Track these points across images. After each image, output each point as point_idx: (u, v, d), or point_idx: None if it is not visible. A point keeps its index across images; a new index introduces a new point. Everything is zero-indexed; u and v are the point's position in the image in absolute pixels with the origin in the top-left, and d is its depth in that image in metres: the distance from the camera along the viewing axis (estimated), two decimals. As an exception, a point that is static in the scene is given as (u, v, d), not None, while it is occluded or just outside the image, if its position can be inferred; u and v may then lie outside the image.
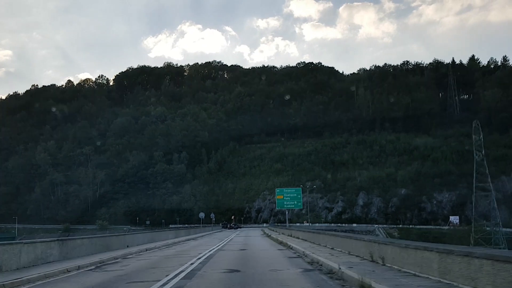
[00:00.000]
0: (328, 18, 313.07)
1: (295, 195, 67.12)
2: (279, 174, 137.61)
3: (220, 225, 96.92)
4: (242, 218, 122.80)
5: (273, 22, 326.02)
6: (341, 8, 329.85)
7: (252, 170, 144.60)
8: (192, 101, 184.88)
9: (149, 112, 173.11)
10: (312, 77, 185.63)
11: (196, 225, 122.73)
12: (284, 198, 66.77)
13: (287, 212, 78.29)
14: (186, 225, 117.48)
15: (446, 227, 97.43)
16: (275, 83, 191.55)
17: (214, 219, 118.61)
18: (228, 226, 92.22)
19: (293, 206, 70.13)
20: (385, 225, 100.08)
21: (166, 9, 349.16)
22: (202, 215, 71.79)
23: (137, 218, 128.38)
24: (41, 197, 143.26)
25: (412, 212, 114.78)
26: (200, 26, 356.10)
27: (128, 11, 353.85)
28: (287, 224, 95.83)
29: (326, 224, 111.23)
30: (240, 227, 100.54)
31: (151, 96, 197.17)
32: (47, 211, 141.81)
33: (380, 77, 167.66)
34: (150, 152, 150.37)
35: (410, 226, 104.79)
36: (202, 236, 50.77)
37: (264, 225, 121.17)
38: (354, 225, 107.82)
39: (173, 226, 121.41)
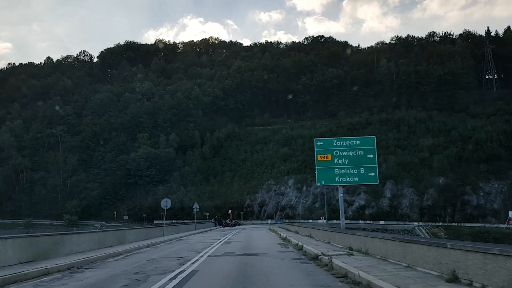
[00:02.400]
0: (331, 12, 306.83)
1: (362, 152, 29.57)
2: (287, 160, 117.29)
3: (212, 221, 76.30)
4: (241, 213, 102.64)
5: (275, 16, 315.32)
6: (344, 2, 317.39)
7: (254, 155, 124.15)
8: (184, 77, 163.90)
9: (133, 88, 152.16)
10: (323, 49, 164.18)
11: (185, 221, 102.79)
12: (336, 158, 29.78)
13: (340, 194, 33.00)
14: (174, 221, 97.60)
15: (505, 226, 77.15)
16: (281, 57, 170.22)
17: (208, 215, 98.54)
18: (223, 222, 71.67)
19: (356, 178, 30.18)
20: (427, 223, 79.64)
21: (167, 2, 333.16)
22: (196, 207, 51.54)
23: (115, 213, 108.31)
24: (3, 186, 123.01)
25: (453, 206, 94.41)
26: (201, 19, 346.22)
27: (129, 3, 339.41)
28: (323, 220, 75.60)
29: (346, 221, 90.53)
30: (239, 224, 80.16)
31: (138, 72, 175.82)
32: (9, 202, 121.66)
33: (405, 47, 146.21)
34: (133, 133, 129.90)
35: (456, 224, 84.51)
36: (156, 247, 30.51)
37: (269, 221, 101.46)
38: (382, 222, 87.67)
39: (158, 222, 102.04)
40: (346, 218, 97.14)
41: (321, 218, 79.91)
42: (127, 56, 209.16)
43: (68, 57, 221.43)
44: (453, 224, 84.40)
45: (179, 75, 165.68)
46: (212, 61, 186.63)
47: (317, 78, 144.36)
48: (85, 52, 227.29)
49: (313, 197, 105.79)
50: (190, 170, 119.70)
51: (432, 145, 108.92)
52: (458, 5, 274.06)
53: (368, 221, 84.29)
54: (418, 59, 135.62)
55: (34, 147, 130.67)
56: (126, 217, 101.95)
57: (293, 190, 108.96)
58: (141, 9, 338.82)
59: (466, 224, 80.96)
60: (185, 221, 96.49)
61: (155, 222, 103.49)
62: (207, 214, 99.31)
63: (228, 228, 62.88)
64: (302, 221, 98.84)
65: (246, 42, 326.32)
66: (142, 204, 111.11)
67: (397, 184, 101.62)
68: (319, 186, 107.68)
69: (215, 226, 70.17)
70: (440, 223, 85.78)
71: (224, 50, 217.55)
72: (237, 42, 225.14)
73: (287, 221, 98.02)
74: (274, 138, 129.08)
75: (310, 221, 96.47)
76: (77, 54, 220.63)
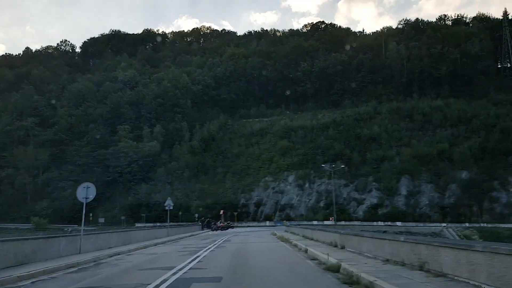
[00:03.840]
0: (327, 13, 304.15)
1: None
2: (286, 154, 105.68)
3: (199, 223, 63.92)
4: (235, 214, 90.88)
5: (270, 17, 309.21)
6: (340, 3, 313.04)
7: (249, 149, 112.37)
8: (172, 65, 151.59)
9: (115, 77, 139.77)
10: (324, 34, 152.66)
11: (171, 223, 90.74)
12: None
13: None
14: (158, 224, 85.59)
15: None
16: (278, 43, 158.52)
17: (197, 216, 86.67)
18: (213, 225, 59.49)
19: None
20: (455, 224, 68.21)
21: (162, 2, 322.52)
22: (169, 204, 37.37)
23: (91, 215, 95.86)
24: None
25: (479, 204, 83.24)
26: (197, 20, 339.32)
27: (123, 4, 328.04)
28: (330, 222, 63.65)
29: (356, 223, 79.60)
30: (232, 227, 68.23)
31: (122, 61, 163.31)
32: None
33: (416, 30, 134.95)
34: (113, 125, 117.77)
35: (485, 224, 73.12)
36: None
37: (267, 223, 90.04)
38: (398, 223, 76.13)
39: (140, 224, 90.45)
40: (356, 219, 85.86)
41: (330, 219, 68.27)
42: (112, 45, 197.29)
43: (48, 47, 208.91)
44: (484, 224, 73.00)
45: (166, 63, 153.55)
46: (203, 49, 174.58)
47: (319, 64, 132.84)
48: (67, 42, 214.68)
49: (317, 195, 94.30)
50: (177, 166, 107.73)
51: (451, 136, 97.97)
52: (453, 5, 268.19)
53: (388, 223, 72.67)
54: (430, 41, 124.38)
55: (1, 141, 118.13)
56: (102, 220, 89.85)
57: (294, 188, 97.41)
58: (136, 10, 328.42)
59: (501, 225, 69.52)
60: (171, 223, 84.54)
61: (136, 225, 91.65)
62: (197, 215, 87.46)
63: (217, 232, 51.02)
64: (305, 222, 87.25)
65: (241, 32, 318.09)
66: (121, 204, 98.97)
67: (413, 179, 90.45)
68: (324, 183, 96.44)
69: (202, 230, 58.29)
70: (466, 224, 74.35)
71: (217, 40, 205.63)
72: (231, 31, 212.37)
73: (293, 223, 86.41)
74: (271, 130, 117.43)
75: (315, 222, 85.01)
76: (57, 44, 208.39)
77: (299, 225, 47.33)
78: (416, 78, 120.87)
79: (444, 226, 65.53)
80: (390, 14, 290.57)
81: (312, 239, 24.02)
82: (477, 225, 70.66)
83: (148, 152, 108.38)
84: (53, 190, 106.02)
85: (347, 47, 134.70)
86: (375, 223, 79.85)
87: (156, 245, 24.40)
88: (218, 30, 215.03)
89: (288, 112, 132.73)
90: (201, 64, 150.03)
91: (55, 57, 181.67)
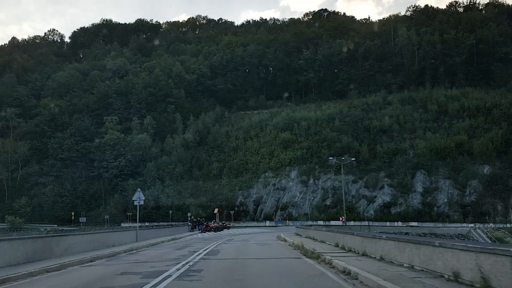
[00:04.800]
0: (328, 7, 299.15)
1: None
2: (288, 147, 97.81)
3: (189, 223, 55.28)
4: (232, 213, 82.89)
5: (269, 15, 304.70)
6: (338, 2, 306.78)
7: (247, 143, 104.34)
8: (165, 53, 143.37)
9: (104, 65, 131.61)
10: (328, 21, 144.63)
11: (160, 223, 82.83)
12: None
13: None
14: (147, 224, 77.76)
15: None
16: (278, 31, 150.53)
17: (190, 215, 78.73)
18: (205, 225, 50.97)
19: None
20: (481, 225, 60.38)
21: (160, 0, 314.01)
22: (139, 197, 27.42)
23: (73, 213, 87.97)
24: None
25: (504, 201, 75.52)
26: (193, 17, 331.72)
27: (120, 2, 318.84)
28: (337, 222, 55.85)
29: (365, 223, 71.77)
30: (228, 227, 60.17)
31: (112, 50, 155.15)
32: None
33: (426, 15, 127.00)
34: (99, 117, 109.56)
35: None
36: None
37: (267, 223, 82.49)
38: (413, 224, 68.27)
39: (126, 225, 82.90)
40: (367, 219, 77.96)
41: (341, 219, 60.32)
42: (103, 35, 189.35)
43: (36, 37, 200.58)
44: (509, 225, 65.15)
45: (159, 51, 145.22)
46: (198, 38, 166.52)
47: (322, 51, 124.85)
48: (55, 31, 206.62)
49: (322, 192, 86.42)
50: (169, 160, 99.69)
51: (470, 127, 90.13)
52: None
53: (398, 223, 64.74)
54: (443, 27, 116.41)
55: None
56: (83, 219, 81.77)
57: (297, 184, 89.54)
58: (134, 7, 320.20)
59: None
60: (161, 223, 76.57)
61: (123, 225, 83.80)
62: (189, 214, 79.51)
63: (208, 235, 42.99)
64: (309, 222, 79.41)
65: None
66: (107, 202, 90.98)
67: (430, 175, 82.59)
68: (330, 179, 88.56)
69: (191, 231, 50.22)
70: (491, 224, 66.49)
71: (214, 30, 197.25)
72: (228, 21, 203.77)
73: (296, 223, 78.60)
74: (272, 122, 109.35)
75: (321, 222, 77.23)
76: (45, 33, 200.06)
77: (310, 226, 39.33)
78: (428, 66, 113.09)
79: (471, 227, 57.67)
80: (389, 13, 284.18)
81: (350, 249, 15.93)
82: (505, 225, 62.77)
83: (137, 145, 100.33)
84: (32, 186, 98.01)
85: (353, 34, 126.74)
86: (388, 223, 72.02)
87: (109, 258, 16.41)
88: (215, 20, 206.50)
89: (289, 104, 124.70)
90: (196, 53, 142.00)
91: (42, 47, 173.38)
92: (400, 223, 65.49)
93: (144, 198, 27.28)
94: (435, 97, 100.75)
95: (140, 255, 17.27)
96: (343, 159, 70.20)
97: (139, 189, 27.66)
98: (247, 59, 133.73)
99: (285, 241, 24.54)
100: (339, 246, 17.44)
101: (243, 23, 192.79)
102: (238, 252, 18.58)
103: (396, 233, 46.24)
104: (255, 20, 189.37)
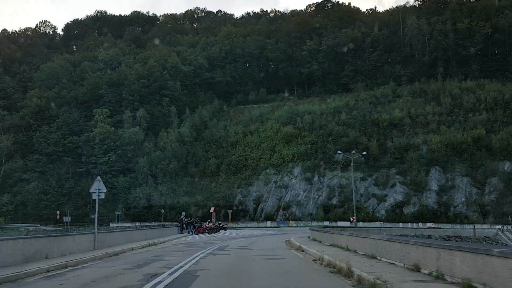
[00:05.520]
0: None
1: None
2: (291, 142, 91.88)
3: (179, 224, 48.84)
4: (230, 212, 77.00)
5: (270, 7, 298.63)
6: None
7: (247, 137, 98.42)
8: (161, 44, 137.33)
9: (95, 56, 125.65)
10: (332, 11, 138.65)
11: (152, 223, 76.85)
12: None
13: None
14: (138, 224, 72.06)
15: None
16: (280, 21, 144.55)
17: (184, 215, 72.81)
18: (198, 226, 44.59)
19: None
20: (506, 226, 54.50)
21: None
22: (98, 189, 20.63)
23: (58, 212, 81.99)
24: None
25: (528, 201, 69.71)
26: (191, 9, 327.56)
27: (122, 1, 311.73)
28: (344, 223, 49.12)
29: (378, 224, 66.22)
30: (225, 228, 54.14)
31: (106, 41, 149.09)
32: None
33: (437, 3, 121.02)
34: (89, 109, 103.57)
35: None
36: None
37: (268, 223, 76.95)
38: (428, 225, 62.37)
39: (115, 225, 77.47)
40: (378, 220, 72.05)
41: (352, 219, 54.35)
42: (97, 27, 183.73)
43: (27, 29, 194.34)
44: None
45: (154, 42, 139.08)
46: (196, 29, 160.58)
47: (327, 42, 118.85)
48: (47, 23, 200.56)
49: (328, 190, 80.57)
50: (163, 156, 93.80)
51: (487, 121, 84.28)
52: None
53: (431, 225, 58.78)
54: (456, 16, 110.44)
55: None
56: (68, 219, 75.69)
57: (301, 182, 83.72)
58: (130, 1, 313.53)
59: None
60: (153, 224, 70.59)
61: (112, 225, 77.88)
62: (183, 214, 73.59)
63: (201, 237, 37.09)
64: (314, 223, 73.60)
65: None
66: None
67: (445, 172, 76.74)
68: (336, 176, 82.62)
69: (181, 232, 44.19)
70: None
71: (213, 22, 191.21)
72: (227, 13, 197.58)
73: (300, 223, 73.24)
74: (273, 116, 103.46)
75: (327, 223, 71.40)
76: (36, 25, 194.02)
77: (330, 228, 33.02)
78: (440, 57, 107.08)
79: (498, 228, 51.75)
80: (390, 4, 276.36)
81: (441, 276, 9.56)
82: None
83: (128, 139, 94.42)
84: (16, 183, 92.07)
85: (359, 24, 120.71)
86: (401, 224, 66.22)
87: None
88: (214, 12, 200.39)
89: (291, 97, 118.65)
90: (193, 44, 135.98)
91: (32, 38, 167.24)
92: (414, 225, 59.52)
93: (105, 190, 21.34)
94: (448, 89, 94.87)
95: (54, 282, 10.94)
96: (353, 153, 64.27)
97: (98, 177, 21.66)
98: (247, 50, 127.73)
99: (303, 251, 18.48)
100: (426, 272, 10.71)
101: (243, 15, 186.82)
102: (231, 278, 11.41)
103: (418, 236, 40.45)
104: (255, 12, 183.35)
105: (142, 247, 22.21)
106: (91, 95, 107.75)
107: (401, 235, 36.63)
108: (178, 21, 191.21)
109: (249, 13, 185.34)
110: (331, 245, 20.11)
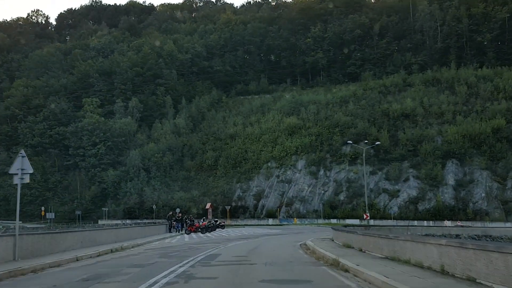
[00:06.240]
0: None
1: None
2: (294, 134, 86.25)
3: (167, 222, 42.75)
4: (228, 208, 71.37)
5: None
6: None
7: (247, 129, 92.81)
8: (157, 31, 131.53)
9: (87, 44, 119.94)
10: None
11: (144, 220, 71.15)
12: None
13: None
14: (128, 222, 66.53)
15: None
16: (282, 8, 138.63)
17: (179, 211, 67.14)
18: (189, 224, 38.67)
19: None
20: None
21: None
22: (21, 169, 14.15)
23: (42, 208, 76.47)
24: None
25: (555, 197, 64.17)
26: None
27: None
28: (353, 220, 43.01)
29: (389, 222, 60.88)
30: (222, 226, 48.50)
31: (99, 30, 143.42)
32: None
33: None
34: (78, 99, 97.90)
35: None
36: None
37: (270, 221, 71.39)
38: (448, 223, 56.66)
39: (104, 222, 71.80)
40: (390, 217, 66.39)
41: (365, 216, 48.81)
42: (92, 16, 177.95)
43: (19, 19, 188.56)
44: None
45: (149, 30, 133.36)
46: (194, 18, 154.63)
47: (333, 29, 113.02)
48: (39, 12, 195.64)
49: (335, 185, 75.01)
50: (157, 148, 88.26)
51: (507, 110, 78.48)
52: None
53: (458, 223, 53.11)
54: (470, 0, 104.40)
55: None
56: (51, 215, 70.14)
57: (305, 176, 78.16)
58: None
59: None
60: (144, 221, 65.02)
61: (100, 222, 72.38)
62: (178, 210, 68.00)
63: (192, 238, 31.51)
64: (319, 220, 68.26)
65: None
66: (82, 196, 79.48)
67: (463, 165, 71.07)
68: (343, 169, 76.97)
69: (169, 231, 38.53)
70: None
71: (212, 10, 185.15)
72: (227, 3, 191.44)
73: (305, 221, 67.82)
74: (275, 106, 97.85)
75: (334, 220, 66.07)
76: (28, 14, 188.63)
77: (354, 227, 26.70)
78: (453, 44, 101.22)
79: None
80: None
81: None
82: None
83: (119, 130, 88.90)
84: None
85: (366, 10, 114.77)
86: (416, 222, 60.72)
87: None
88: (213, 1, 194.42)
89: (294, 88, 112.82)
90: (190, 31, 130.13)
91: (22, 27, 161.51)
92: (448, 223, 53.76)
93: (31, 171, 15.56)
94: (463, 78, 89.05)
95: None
96: (365, 142, 58.62)
97: (22, 152, 15.80)
98: (248, 38, 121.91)
99: (346, 270, 11.20)
100: None
101: (243, 4, 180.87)
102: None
103: (445, 236, 34.79)
104: (256, 1, 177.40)
105: (98, 255, 16.51)
106: (80, 84, 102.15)
107: (426, 235, 31.10)
108: (175, 11, 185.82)
109: (250, 1, 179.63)
110: (390, 258, 12.73)
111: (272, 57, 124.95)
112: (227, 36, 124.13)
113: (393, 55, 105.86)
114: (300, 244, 20.70)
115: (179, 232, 38.02)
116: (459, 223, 53.09)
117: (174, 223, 39.30)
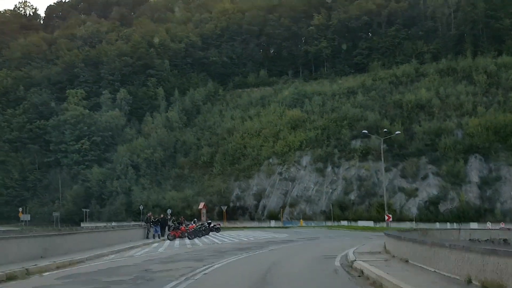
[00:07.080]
0: None
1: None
2: (298, 127, 79.53)
3: (143, 225, 35.20)
4: (225, 209, 64.52)
5: None
6: None
7: (246, 123, 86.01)
8: (149, 20, 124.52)
9: (73, 34, 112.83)
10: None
11: (131, 223, 64.17)
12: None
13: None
14: (114, 224, 59.39)
15: None
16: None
17: (170, 213, 60.07)
18: (173, 227, 31.33)
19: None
20: None
21: None
22: None
23: (20, 209, 69.39)
24: None
25: None
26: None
27: None
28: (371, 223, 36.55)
29: (409, 224, 54.07)
30: (217, 229, 41.54)
31: (88, 20, 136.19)
32: None
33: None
34: (62, 91, 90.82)
35: None
36: None
37: (272, 223, 64.29)
38: (474, 226, 49.98)
39: (87, 225, 65.24)
40: (408, 219, 59.31)
41: (387, 218, 42.16)
42: (82, 8, 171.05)
43: (6, 11, 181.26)
44: None
45: (141, 19, 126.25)
46: (189, 8, 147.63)
47: (337, 16, 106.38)
48: (26, 3, 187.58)
49: (344, 183, 68.28)
50: (147, 143, 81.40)
51: (532, 101, 71.66)
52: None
53: (502, 224, 46.36)
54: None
55: None
56: (27, 217, 63.18)
57: (311, 173, 71.46)
58: None
59: None
60: (132, 224, 58.02)
61: (82, 225, 65.55)
62: (169, 211, 61.10)
63: (173, 246, 24.55)
64: (328, 223, 61.46)
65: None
66: (64, 195, 72.39)
67: (487, 161, 64.31)
68: (354, 166, 70.05)
69: (146, 237, 31.02)
70: None
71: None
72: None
73: (311, 223, 61.18)
74: (276, 98, 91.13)
75: (345, 223, 59.37)
76: (15, 5, 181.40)
77: (408, 232, 19.43)
78: (468, 32, 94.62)
79: None
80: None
81: None
82: None
83: (106, 124, 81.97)
84: (-29, 176, 79.36)
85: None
86: (437, 224, 54.22)
87: None
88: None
89: (295, 81, 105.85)
90: (184, 20, 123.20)
91: (6, 17, 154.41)
92: (476, 225, 47.14)
93: None
94: (482, 66, 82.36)
95: None
96: (385, 131, 51.78)
97: None
98: (246, 27, 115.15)
99: None
100: None
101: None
102: None
103: (493, 241, 28.12)
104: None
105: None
106: (65, 74, 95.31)
107: (471, 240, 24.39)
108: (170, 4, 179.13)
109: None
110: None
111: (272, 47, 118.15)
112: (224, 25, 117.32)
113: (403, 43, 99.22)
114: (342, 265, 13.56)
115: (159, 238, 30.83)
116: (502, 224, 46.33)
117: (153, 225, 31.68)
